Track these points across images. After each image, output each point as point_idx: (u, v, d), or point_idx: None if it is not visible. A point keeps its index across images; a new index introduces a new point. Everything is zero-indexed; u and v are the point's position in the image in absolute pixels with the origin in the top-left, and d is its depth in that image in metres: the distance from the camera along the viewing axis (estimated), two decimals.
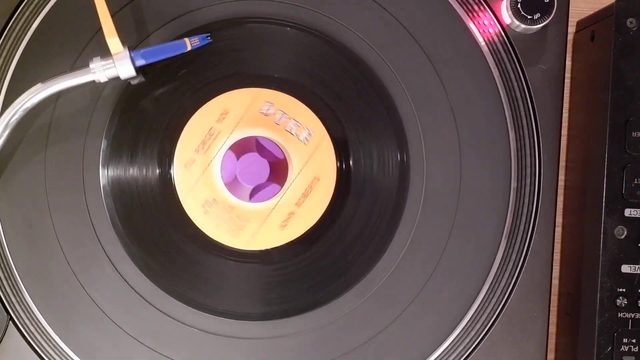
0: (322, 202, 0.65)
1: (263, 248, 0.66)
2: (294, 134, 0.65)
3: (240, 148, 0.67)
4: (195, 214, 0.65)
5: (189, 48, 0.64)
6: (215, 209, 0.65)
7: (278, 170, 0.67)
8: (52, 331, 0.66)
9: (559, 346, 0.72)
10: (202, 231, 0.65)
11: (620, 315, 0.63)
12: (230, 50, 0.66)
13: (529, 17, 0.64)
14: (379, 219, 0.66)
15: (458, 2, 0.67)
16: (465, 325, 0.66)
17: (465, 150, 0.67)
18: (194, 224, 0.65)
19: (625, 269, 0.64)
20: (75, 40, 0.65)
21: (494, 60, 0.67)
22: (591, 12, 0.70)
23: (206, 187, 0.65)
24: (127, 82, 0.65)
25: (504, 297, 0.66)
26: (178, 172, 0.65)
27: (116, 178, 0.66)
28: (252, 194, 0.68)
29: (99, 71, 0.62)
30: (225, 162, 0.66)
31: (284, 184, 0.66)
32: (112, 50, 0.62)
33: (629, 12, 0.64)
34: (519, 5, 0.64)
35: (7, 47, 0.66)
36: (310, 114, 0.65)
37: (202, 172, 0.65)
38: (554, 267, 0.67)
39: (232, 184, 0.66)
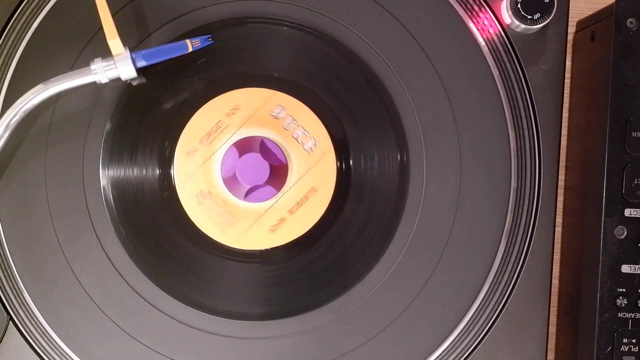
0: (316, 213, 0.65)
1: (249, 248, 0.65)
2: (299, 141, 0.65)
3: (245, 146, 0.66)
4: (194, 212, 0.65)
5: (190, 49, 0.64)
6: (209, 202, 0.65)
7: (277, 175, 0.67)
8: (52, 331, 0.66)
9: (559, 346, 0.72)
10: (199, 229, 0.65)
11: (620, 315, 0.64)
12: (232, 50, 0.66)
13: (529, 17, 0.64)
14: (378, 219, 0.66)
15: (458, 2, 0.67)
16: (465, 325, 0.66)
17: (465, 150, 0.67)
18: (194, 224, 0.65)
19: (625, 269, 0.64)
20: (75, 41, 0.65)
21: (494, 60, 0.67)
22: (591, 12, 0.70)
23: (204, 178, 0.65)
24: (127, 82, 0.65)
25: (504, 297, 0.66)
26: (178, 165, 0.65)
27: (116, 178, 0.66)
28: (247, 193, 0.68)
29: (100, 72, 0.62)
30: (227, 157, 0.65)
31: (280, 189, 0.66)
32: (113, 52, 0.62)
33: (629, 12, 0.64)
34: (519, 5, 0.64)
35: (7, 47, 0.66)
36: (316, 120, 0.65)
37: (202, 163, 0.65)
38: (554, 267, 0.67)
39: (230, 180, 0.66)
